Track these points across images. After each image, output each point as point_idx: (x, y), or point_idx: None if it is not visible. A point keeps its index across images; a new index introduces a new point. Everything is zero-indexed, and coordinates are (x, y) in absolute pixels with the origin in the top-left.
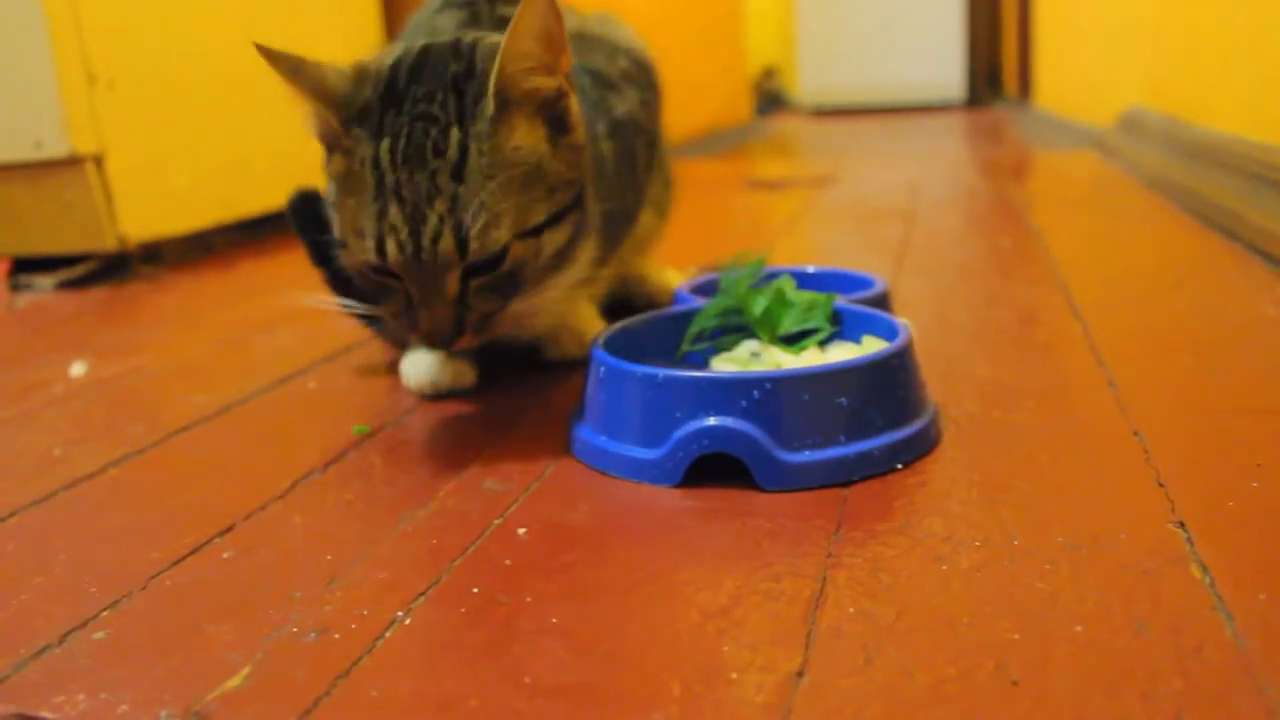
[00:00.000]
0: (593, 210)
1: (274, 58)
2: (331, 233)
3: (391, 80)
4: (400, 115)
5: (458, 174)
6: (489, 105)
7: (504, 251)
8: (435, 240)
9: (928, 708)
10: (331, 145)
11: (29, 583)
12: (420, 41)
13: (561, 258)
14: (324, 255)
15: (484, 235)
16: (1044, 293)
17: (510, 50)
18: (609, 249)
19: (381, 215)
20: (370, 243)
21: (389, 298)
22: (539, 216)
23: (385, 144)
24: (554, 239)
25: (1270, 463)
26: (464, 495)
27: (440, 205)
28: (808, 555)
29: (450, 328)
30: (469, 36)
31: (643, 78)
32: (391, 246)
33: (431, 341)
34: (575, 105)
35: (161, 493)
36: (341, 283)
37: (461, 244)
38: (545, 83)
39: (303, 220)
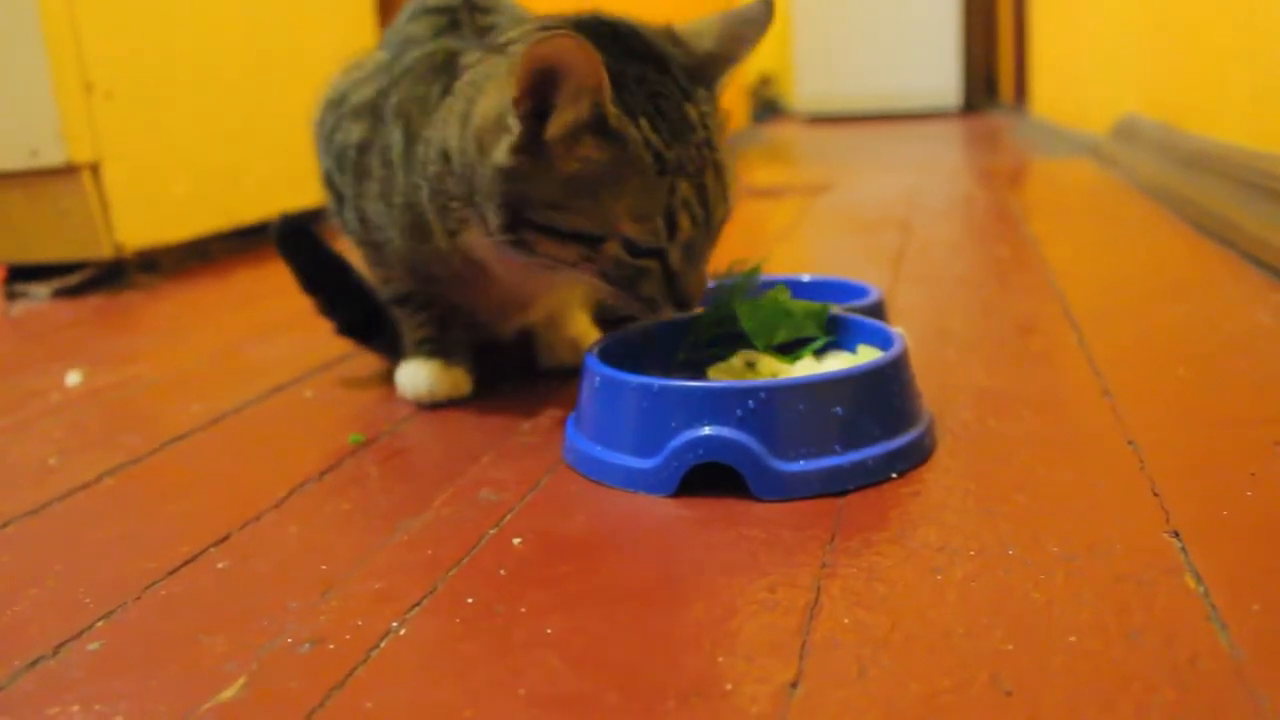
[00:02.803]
0: None
1: None
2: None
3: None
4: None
5: (709, 144)
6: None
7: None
8: (717, 207)
9: (922, 719)
10: (574, 137)
11: (24, 593)
12: (408, 49)
13: None
14: (315, 284)
15: (736, 196)
16: (1040, 301)
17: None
18: None
19: (672, 191)
20: (659, 223)
21: (642, 283)
22: None
23: (644, 121)
24: None
25: (1264, 472)
26: (459, 504)
27: (710, 175)
28: (803, 565)
29: (703, 284)
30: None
31: None
32: (685, 221)
33: (685, 303)
34: None
35: (157, 502)
36: (333, 308)
37: (730, 208)
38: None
39: (291, 248)
